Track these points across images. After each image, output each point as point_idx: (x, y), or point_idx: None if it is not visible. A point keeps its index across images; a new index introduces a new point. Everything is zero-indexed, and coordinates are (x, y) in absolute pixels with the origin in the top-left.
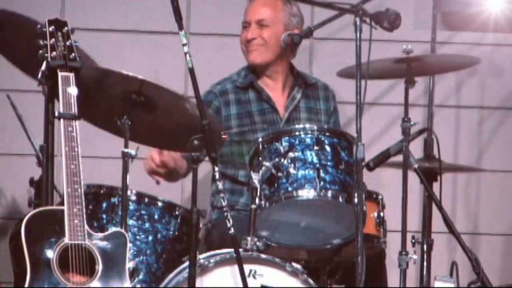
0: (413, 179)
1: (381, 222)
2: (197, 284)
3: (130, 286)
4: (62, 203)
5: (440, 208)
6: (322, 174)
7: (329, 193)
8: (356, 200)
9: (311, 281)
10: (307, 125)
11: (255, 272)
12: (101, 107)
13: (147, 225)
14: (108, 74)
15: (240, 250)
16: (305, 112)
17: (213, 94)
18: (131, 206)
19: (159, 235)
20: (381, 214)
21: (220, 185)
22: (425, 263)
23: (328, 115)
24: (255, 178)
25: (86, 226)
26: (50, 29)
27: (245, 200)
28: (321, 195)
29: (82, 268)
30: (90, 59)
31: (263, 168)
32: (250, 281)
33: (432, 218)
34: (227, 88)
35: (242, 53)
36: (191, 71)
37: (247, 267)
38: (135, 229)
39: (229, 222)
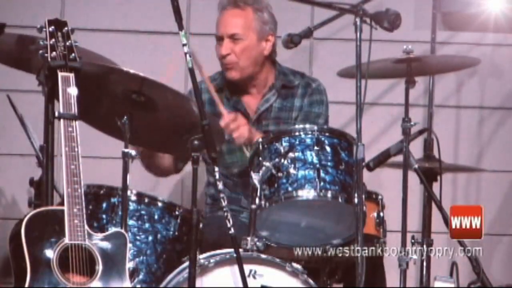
0: (413, 179)
1: (381, 222)
2: (197, 284)
3: (130, 286)
4: (62, 203)
5: (440, 208)
6: (322, 175)
7: (329, 194)
8: (356, 200)
9: (311, 281)
10: (307, 125)
11: (255, 272)
12: (102, 108)
13: (147, 225)
14: (109, 71)
15: (240, 250)
16: (276, 111)
17: (189, 93)
18: (131, 206)
19: (159, 235)
20: (381, 214)
21: (220, 185)
22: (425, 263)
23: (301, 110)
24: (255, 178)
25: (86, 226)
26: (50, 29)
27: (227, 194)
28: (321, 196)
29: (82, 268)
30: (96, 56)
31: (263, 168)
32: (250, 281)
33: (432, 218)
34: (202, 87)
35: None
36: (191, 71)
37: (247, 267)
38: (135, 229)
39: (229, 222)
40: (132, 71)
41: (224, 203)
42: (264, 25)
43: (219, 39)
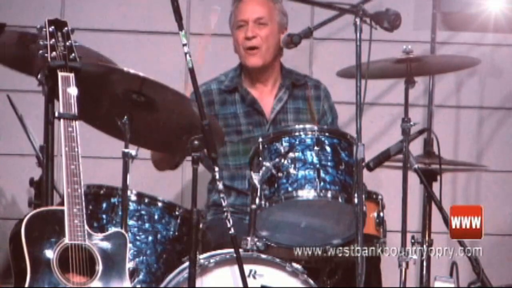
0: (413, 179)
1: (381, 222)
2: (197, 284)
3: (130, 286)
4: (62, 203)
5: (440, 208)
6: (322, 175)
7: (329, 194)
8: (356, 200)
9: (311, 281)
10: (307, 126)
11: (255, 272)
12: (102, 108)
13: (147, 225)
14: (110, 71)
15: (240, 250)
16: (292, 113)
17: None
18: (131, 207)
19: (159, 235)
20: (381, 214)
21: (220, 185)
22: (425, 263)
23: (320, 114)
24: (255, 178)
25: (86, 226)
26: (50, 29)
27: (232, 200)
28: (321, 196)
29: (82, 268)
30: (97, 55)
31: (263, 168)
32: (250, 281)
33: (432, 218)
34: (211, 88)
35: (238, 55)
36: (191, 71)
37: (247, 267)
38: (135, 229)
39: (229, 222)
40: (132, 71)
41: (224, 203)
42: (284, 16)
43: (242, 24)
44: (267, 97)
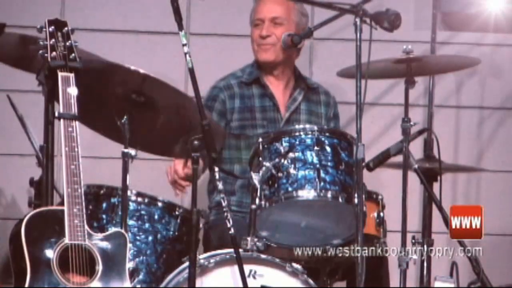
0: (413, 179)
1: (381, 222)
2: (197, 284)
3: (130, 286)
4: (62, 203)
5: (440, 208)
6: (322, 175)
7: (329, 194)
8: (356, 200)
9: (311, 281)
10: (307, 126)
11: (255, 272)
12: (102, 108)
13: (147, 225)
14: (111, 68)
15: (240, 250)
16: (305, 114)
17: (218, 89)
18: (131, 206)
19: (159, 235)
20: (381, 214)
21: (220, 185)
22: (425, 263)
23: (327, 119)
24: (255, 178)
25: (86, 227)
26: (50, 29)
27: (237, 198)
28: (321, 196)
29: (82, 268)
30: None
31: (263, 168)
32: (250, 281)
33: (432, 218)
34: (231, 83)
35: (253, 51)
36: (191, 71)
37: (247, 267)
38: (135, 229)
39: (229, 222)
40: (133, 67)
41: (224, 203)
42: (303, 17)
43: (258, 23)
44: (281, 95)
